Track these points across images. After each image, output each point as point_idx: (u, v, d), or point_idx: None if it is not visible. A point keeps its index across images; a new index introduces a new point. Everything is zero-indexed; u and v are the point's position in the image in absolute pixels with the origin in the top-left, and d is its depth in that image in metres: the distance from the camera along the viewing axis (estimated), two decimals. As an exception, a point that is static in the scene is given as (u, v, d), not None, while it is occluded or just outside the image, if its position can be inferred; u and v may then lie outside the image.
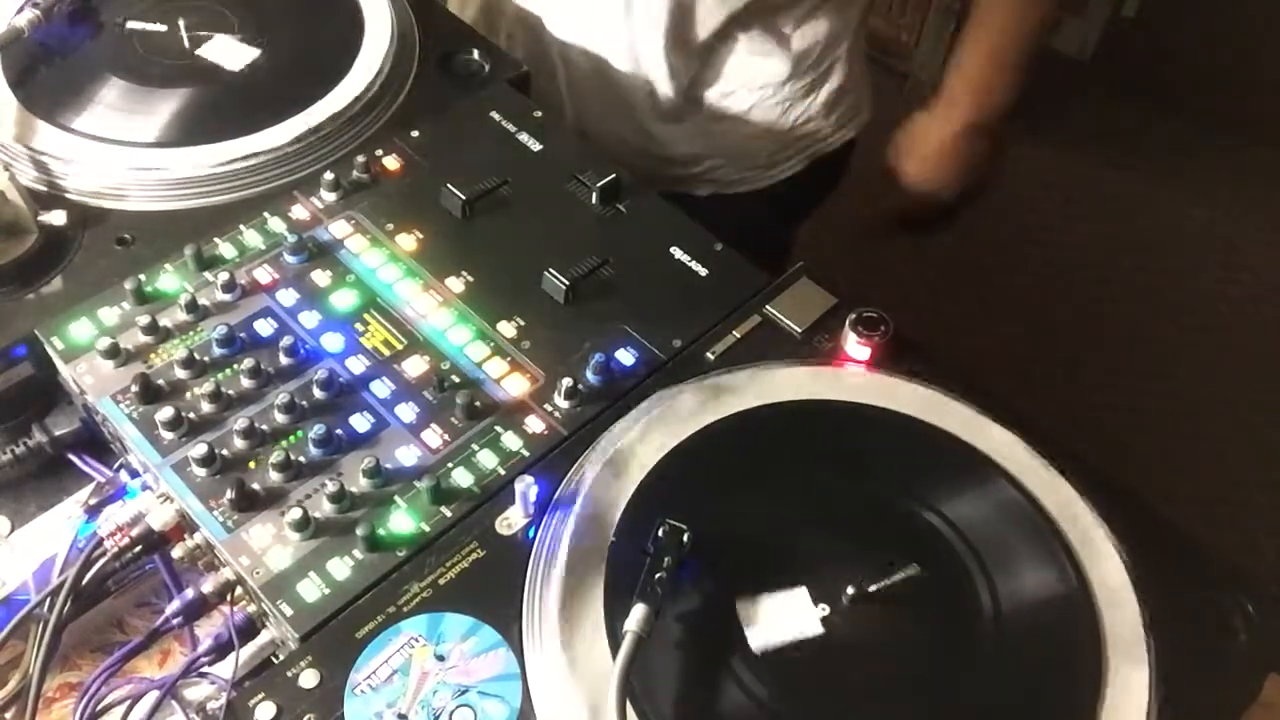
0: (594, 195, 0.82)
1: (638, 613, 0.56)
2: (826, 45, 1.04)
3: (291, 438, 0.68)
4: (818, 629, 0.59)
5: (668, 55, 0.99)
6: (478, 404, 0.69)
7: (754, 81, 1.03)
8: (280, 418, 0.68)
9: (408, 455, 0.67)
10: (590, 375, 0.71)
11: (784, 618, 0.60)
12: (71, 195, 0.80)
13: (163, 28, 0.89)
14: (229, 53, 0.88)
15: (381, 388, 0.71)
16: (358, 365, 0.72)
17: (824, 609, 0.60)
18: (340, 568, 0.62)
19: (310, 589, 0.61)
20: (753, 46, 1.01)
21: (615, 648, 0.56)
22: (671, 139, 1.06)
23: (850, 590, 0.60)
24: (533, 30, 1.05)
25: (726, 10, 0.97)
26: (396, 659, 0.58)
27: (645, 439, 0.67)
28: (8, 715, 0.64)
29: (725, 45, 1.01)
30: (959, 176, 1.03)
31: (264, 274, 0.76)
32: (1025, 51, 0.96)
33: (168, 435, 0.67)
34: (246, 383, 0.70)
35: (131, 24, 0.86)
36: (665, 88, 1.02)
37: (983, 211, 1.07)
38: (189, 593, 0.65)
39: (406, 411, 0.69)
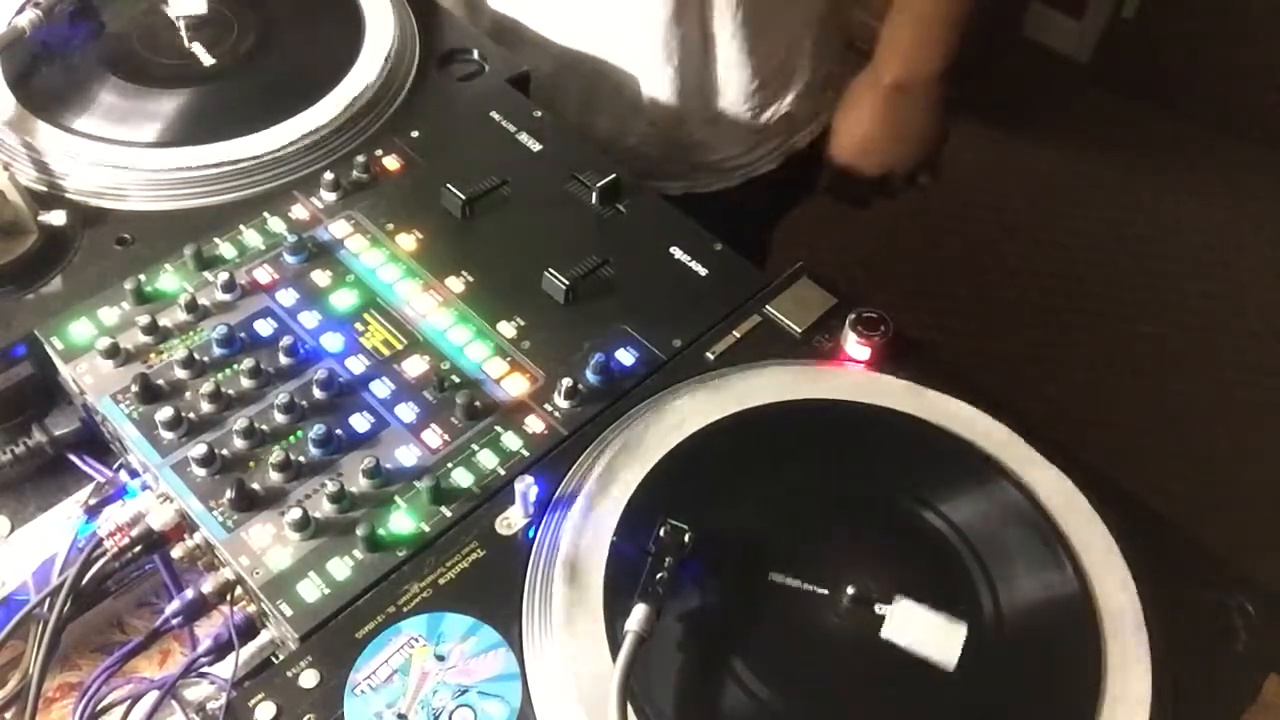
0: (594, 195, 0.82)
1: (639, 613, 0.56)
2: (790, 45, 1.04)
3: (291, 438, 0.68)
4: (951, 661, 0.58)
5: (654, 56, 1.00)
6: (478, 404, 0.69)
7: (724, 85, 1.04)
8: (280, 418, 0.68)
9: (408, 455, 0.67)
10: (590, 375, 0.71)
11: (929, 633, 0.59)
12: (71, 195, 0.80)
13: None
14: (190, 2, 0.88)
15: (381, 388, 0.71)
16: (357, 365, 0.72)
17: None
18: (340, 568, 0.62)
19: (310, 589, 0.61)
20: (724, 53, 1.02)
21: (615, 648, 0.56)
22: (641, 143, 1.07)
23: (851, 590, 0.60)
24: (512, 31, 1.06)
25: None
26: (396, 659, 0.58)
27: (645, 439, 0.67)
28: (8, 715, 0.64)
29: (698, 52, 1.01)
30: (887, 138, 1.03)
31: (264, 274, 0.76)
32: (953, 17, 0.98)
33: (167, 435, 0.67)
34: (246, 383, 0.70)
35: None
36: (646, 92, 1.02)
37: (983, 211, 1.06)
38: (189, 593, 0.65)
39: (406, 411, 0.69)
